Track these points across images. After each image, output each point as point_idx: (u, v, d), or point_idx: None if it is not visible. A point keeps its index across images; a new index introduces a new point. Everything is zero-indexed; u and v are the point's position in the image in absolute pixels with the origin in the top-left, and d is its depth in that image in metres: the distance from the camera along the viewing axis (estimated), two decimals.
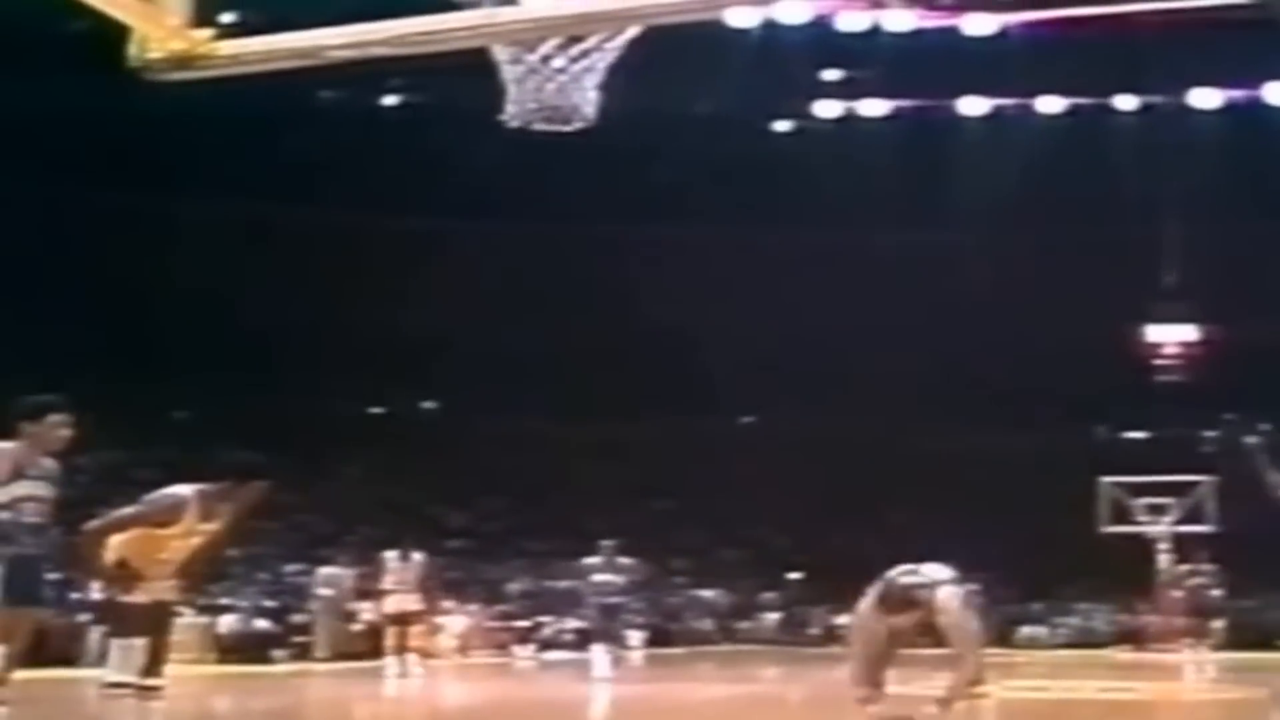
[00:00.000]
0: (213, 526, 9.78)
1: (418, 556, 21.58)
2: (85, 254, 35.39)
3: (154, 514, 9.79)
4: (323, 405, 37.36)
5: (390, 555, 21.52)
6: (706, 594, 35.92)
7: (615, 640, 22.18)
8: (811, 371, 39.24)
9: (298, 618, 27.13)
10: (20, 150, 32.15)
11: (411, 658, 20.94)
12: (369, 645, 23.80)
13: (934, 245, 40.55)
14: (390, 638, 21.30)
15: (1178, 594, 33.30)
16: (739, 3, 5.47)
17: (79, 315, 34.02)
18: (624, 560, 22.27)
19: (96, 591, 14.52)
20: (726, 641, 34.33)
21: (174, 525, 9.60)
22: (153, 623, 9.47)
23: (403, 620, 21.10)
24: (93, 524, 10.06)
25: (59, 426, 9.76)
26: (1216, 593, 31.47)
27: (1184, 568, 32.65)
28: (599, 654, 21.22)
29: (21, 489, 9.60)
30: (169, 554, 9.74)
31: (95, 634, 20.73)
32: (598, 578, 22.03)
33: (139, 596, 9.34)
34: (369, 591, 23.48)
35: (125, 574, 9.47)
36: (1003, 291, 39.61)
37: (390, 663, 20.66)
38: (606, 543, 22.17)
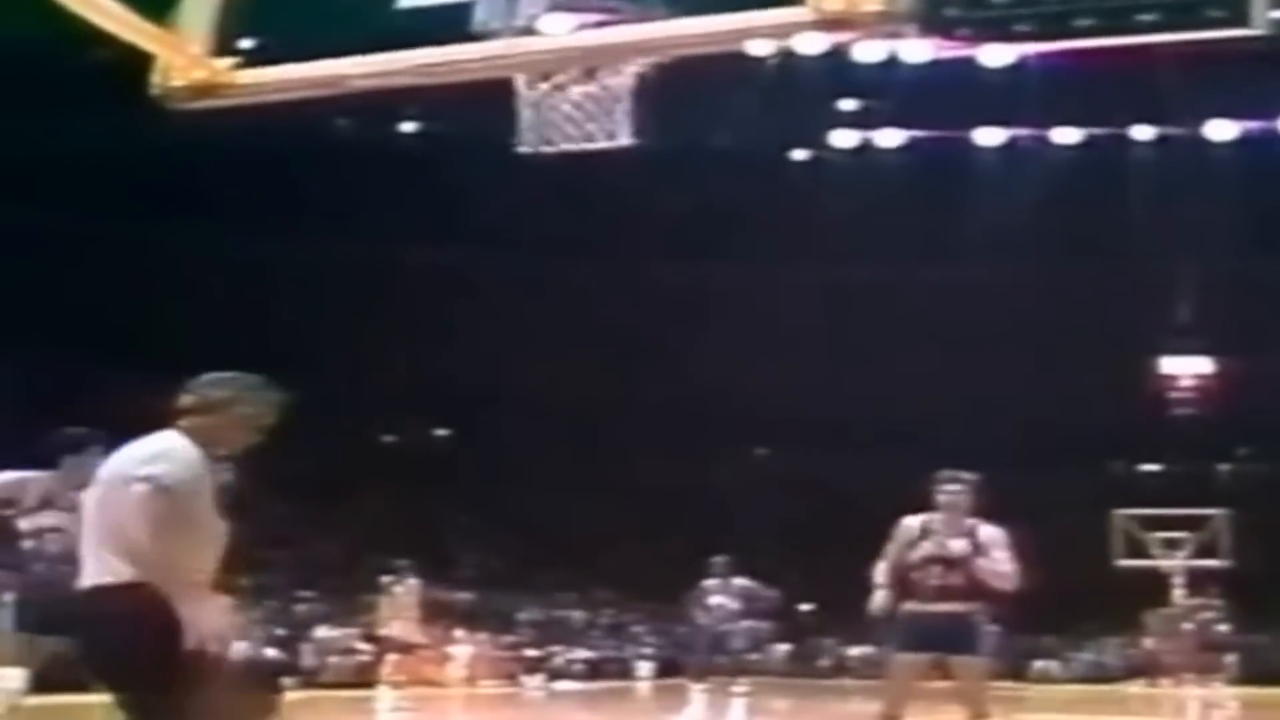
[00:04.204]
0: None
1: (413, 583, 20.41)
2: (97, 286, 35.43)
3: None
4: (335, 434, 37.35)
5: (383, 582, 20.04)
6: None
7: (720, 675, 18.85)
8: (823, 405, 39.20)
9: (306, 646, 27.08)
10: (34, 183, 32.24)
11: (398, 690, 19.91)
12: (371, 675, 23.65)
13: (947, 277, 40.50)
14: (385, 667, 20.46)
15: (1189, 628, 33.31)
16: (757, 35, 5.51)
17: (92, 347, 34.02)
18: (740, 581, 19.18)
19: None
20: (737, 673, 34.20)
21: None
22: None
23: (397, 650, 20.03)
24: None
25: (98, 458, 9.79)
26: (1227, 628, 31.40)
27: (1196, 601, 32.59)
28: (696, 693, 18.61)
29: (49, 519, 9.65)
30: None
31: None
32: (712, 600, 19.01)
33: None
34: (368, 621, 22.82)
35: None
36: (1017, 324, 39.57)
37: (381, 693, 19.95)
38: (718, 559, 19.20)
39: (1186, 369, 44.43)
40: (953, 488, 10.02)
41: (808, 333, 39.86)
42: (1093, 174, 40.83)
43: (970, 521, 10.03)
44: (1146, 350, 43.47)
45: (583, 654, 33.06)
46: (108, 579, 5.28)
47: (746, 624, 18.96)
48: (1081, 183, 40.55)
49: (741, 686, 17.96)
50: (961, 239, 40.65)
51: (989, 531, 10.02)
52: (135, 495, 5.23)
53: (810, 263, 40.26)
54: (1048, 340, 39.62)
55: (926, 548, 9.99)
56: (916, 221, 40.31)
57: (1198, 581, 33.80)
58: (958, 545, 9.98)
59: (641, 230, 39.41)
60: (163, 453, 5.42)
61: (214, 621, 5.39)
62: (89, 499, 5.57)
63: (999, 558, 9.95)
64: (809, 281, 40.54)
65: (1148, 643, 31.11)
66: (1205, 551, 33.96)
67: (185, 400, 5.75)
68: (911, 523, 10.08)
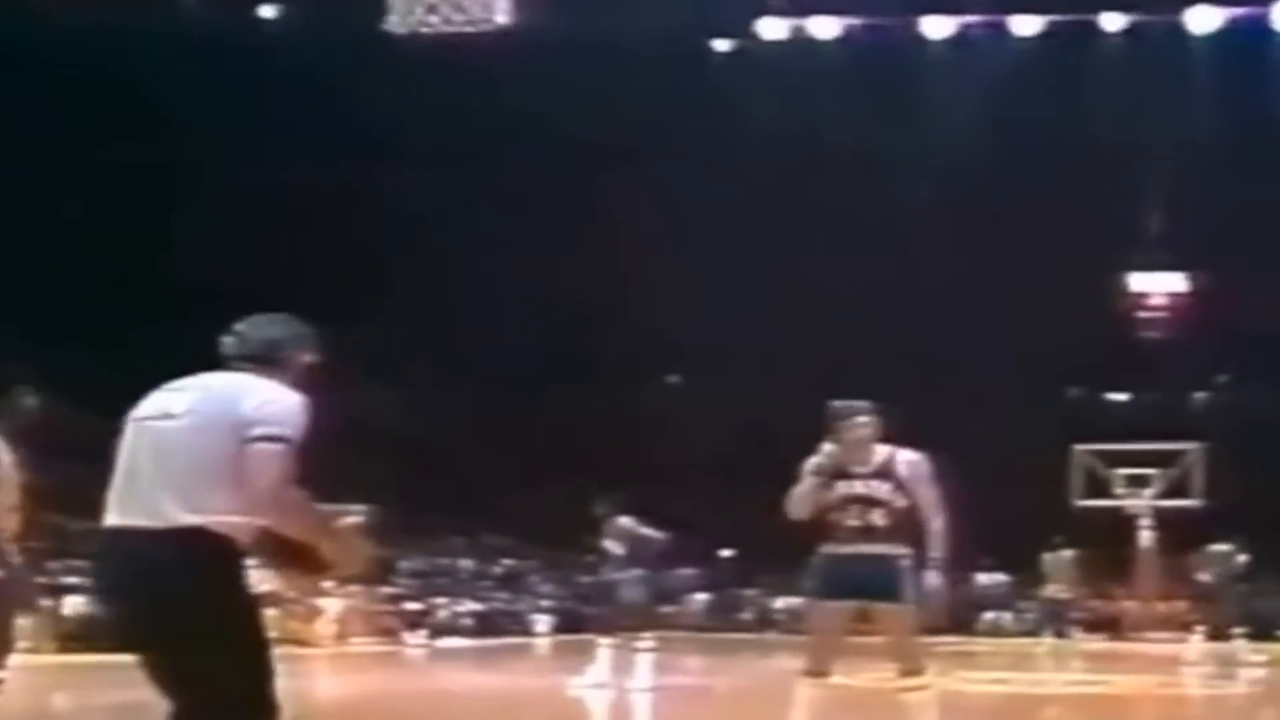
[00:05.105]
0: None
1: None
2: None
3: None
4: (190, 356, 36.76)
5: None
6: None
7: (620, 630, 18.20)
8: (748, 328, 39.06)
9: None
10: None
11: None
12: None
13: (888, 185, 40.19)
14: None
15: (1160, 576, 33.61)
16: None
17: None
18: (624, 522, 18.58)
19: None
20: (647, 627, 34.31)
21: None
22: None
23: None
24: None
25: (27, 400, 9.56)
26: (1204, 576, 31.65)
27: (1224, 548, 32.62)
28: (603, 649, 18.14)
29: None
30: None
31: None
32: (606, 544, 18.65)
33: None
34: None
35: None
36: (967, 236, 39.43)
37: None
38: (608, 497, 18.90)
39: (1157, 287, 44.68)
40: (859, 420, 9.83)
41: (730, 249, 39.56)
42: (1054, 69, 40.78)
43: (884, 450, 9.86)
44: (1113, 266, 43.67)
45: (472, 607, 33.10)
46: (188, 519, 5.35)
47: (636, 572, 18.63)
48: (1041, 79, 40.49)
49: (645, 641, 17.72)
50: (904, 142, 40.39)
51: (907, 460, 9.85)
52: (267, 453, 5.37)
53: (732, 169, 39.91)
54: (1002, 255, 39.50)
55: (842, 487, 9.82)
56: (853, 122, 39.96)
57: (1167, 524, 34.08)
58: (877, 482, 9.82)
59: (537, 133, 38.85)
60: (277, 399, 5.54)
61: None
62: (154, 433, 5.55)
63: (923, 493, 9.80)
64: (731, 191, 40.19)
65: (1050, 589, 31.29)
66: (1176, 490, 34.21)
67: (247, 344, 5.86)
68: (819, 460, 9.88)
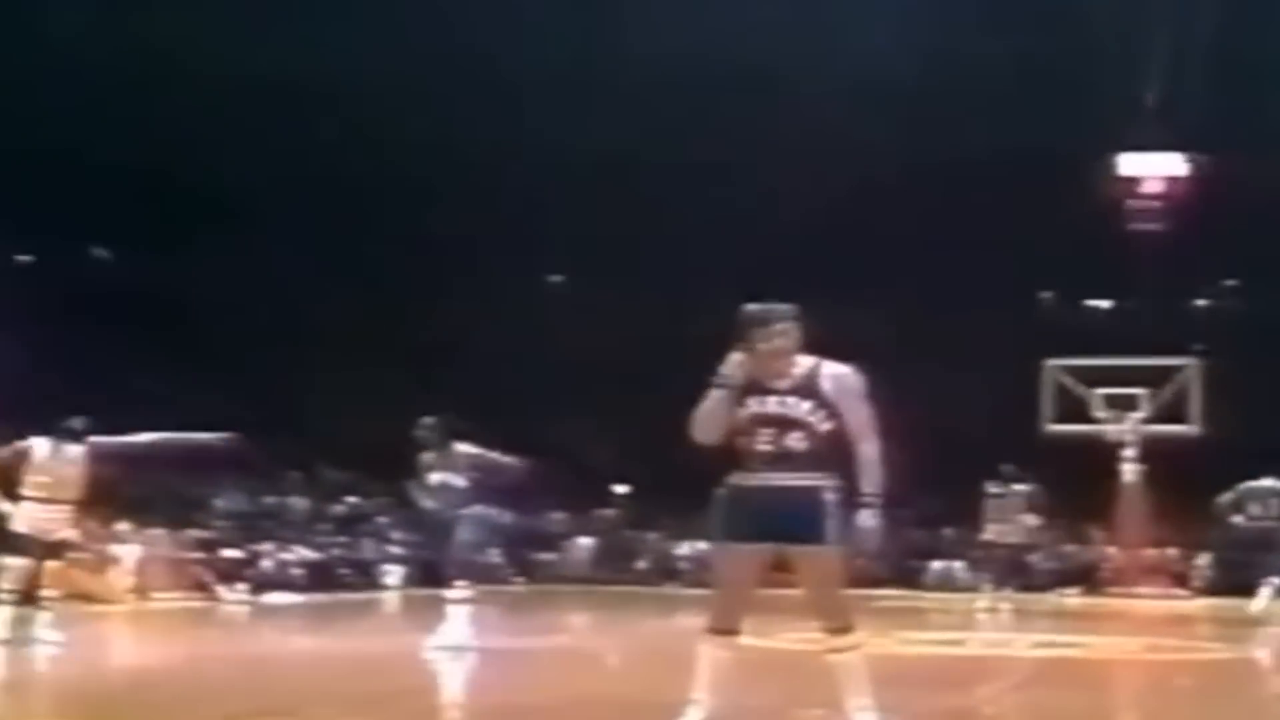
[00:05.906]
0: None
1: (75, 451, 18.98)
2: None
3: None
4: None
5: (39, 443, 18.42)
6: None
7: (464, 577, 18.06)
8: (645, 220, 38.97)
9: None
10: None
11: (34, 608, 18.63)
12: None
13: (822, 53, 39.70)
14: (11, 575, 19.03)
15: (1147, 519, 33.80)
16: None
17: None
18: (464, 449, 18.15)
19: None
20: (522, 579, 34.38)
21: None
22: None
23: (34, 550, 18.72)
24: None
25: None
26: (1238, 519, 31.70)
27: (1267, 483, 32.74)
28: (452, 602, 18.02)
29: None
30: None
31: None
32: (435, 478, 18.18)
33: None
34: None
35: None
36: (916, 109, 39.36)
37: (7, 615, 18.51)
38: (428, 420, 18.35)
39: (1151, 170, 44.69)
40: (778, 326, 9.61)
41: (626, 128, 39.21)
42: None
43: (807, 362, 9.63)
44: (1097, 146, 43.61)
45: (304, 555, 32.96)
46: None
47: (476, 509, 18.43)
48: None
49: (460, 592, 17.51)
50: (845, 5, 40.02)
51: (833, 373, 9.63)
52: None
53: (630, 48, 39.51)
54: (959, 132, 39.51)
55: (754, 404, 9.58)
56: None
57: (1156, 455, 34.21)
58: (794, 399, 9.59)
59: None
60: None
61: None
62: None
63: (852, 412, 9.57)
64: (628, 65, 39.83)
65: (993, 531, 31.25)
66: (1168, 414, 34.34)
67: None
68: (727, 372, 9.66)
